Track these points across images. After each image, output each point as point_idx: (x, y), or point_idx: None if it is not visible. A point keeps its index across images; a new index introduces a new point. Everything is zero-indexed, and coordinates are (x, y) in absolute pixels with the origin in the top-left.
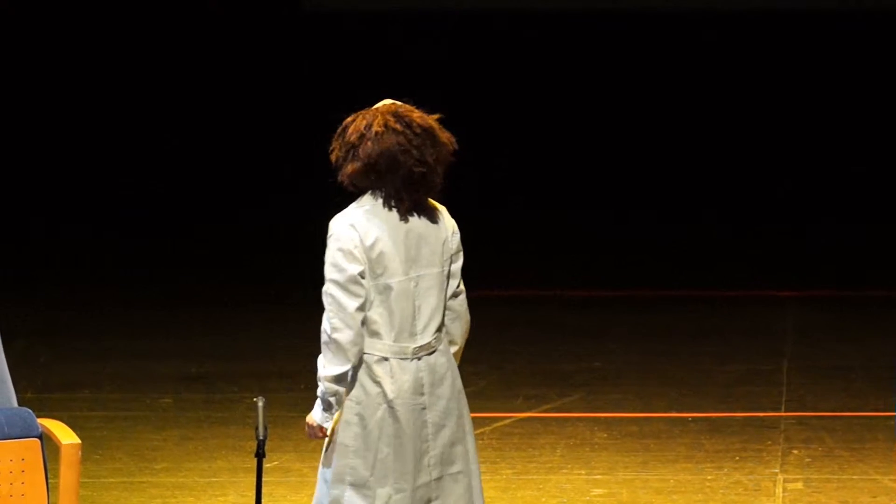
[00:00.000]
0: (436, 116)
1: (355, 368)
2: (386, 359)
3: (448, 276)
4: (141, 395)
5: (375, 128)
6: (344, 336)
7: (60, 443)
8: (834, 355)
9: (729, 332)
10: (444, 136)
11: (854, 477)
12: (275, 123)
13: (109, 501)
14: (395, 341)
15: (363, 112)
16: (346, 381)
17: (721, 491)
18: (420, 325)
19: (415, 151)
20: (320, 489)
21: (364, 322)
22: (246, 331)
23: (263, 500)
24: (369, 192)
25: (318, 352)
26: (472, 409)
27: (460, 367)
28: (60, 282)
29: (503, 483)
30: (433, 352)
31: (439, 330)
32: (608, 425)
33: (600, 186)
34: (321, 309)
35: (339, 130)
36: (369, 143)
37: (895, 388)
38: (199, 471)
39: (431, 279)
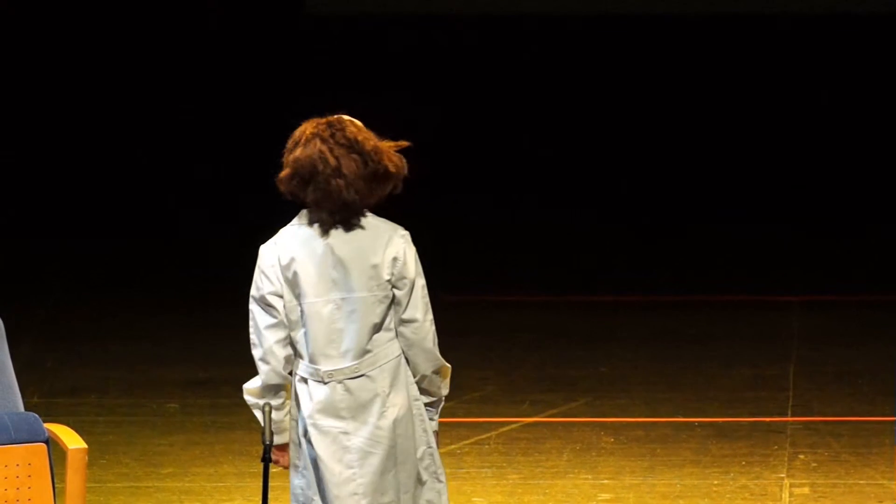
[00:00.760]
0: (400, 144)
1: (266, 383)
2: (305, 380)
3: (388, 302)
4: (147, 400)
5: (307, 134)
6: (257, 353)
7: (67, 448)
8: (840, 360)
9: (735, 337)
10: (386, 158)
11: (860, 482)
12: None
13: None
14: (310, 363)
15: (314, 119)
16: (263, 395)
17: (727, 496)
18: (340, 348)
19: (332, 161)
20: None
21: (290, 342)
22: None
23: None
24: (303, 210)
25: None
26: (478, 414)
27: (464, 372)
28: (67, 287)
29: (509, 488)
30: (358, 376)
31: (367, 354)
32: (614, 430)
33: (605, 190)
34: None
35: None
36: (298, 149)
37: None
38: (205, 475)
39: (357, 303)
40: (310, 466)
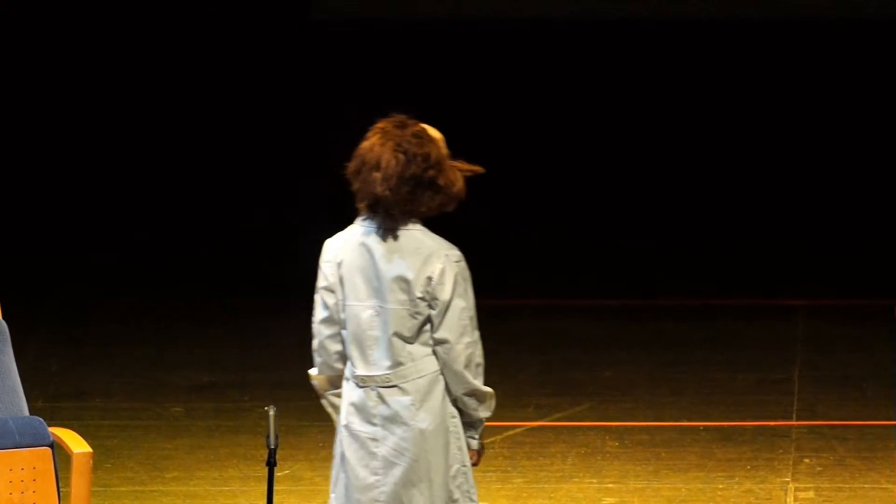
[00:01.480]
0: (473, 168)
1: (319, 373)
2: (347, 379)
3: (423, 318)
4: (152, 404)
5: (375, 127)
6: (313, 343)
7: (72, 451)
8: (845, 364)
9: (740, 342)
10: (450, 173)
11: (865, 486)
12: (283, 132)
13: None
14: (351, 364)
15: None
16: (321, 387)
17: (732, 500)
18: (374, 355)
19: (377, 153)
20: None
21: (341, 339)
22: (257, 340)
23: None
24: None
25: None
26: None
27: None
28: (71, 291)
29: (514, 492)
30: (391, 386)
31: (400, 366)
32: (619, 434)
33: (610, 195)
34: None
35: None
36: (364, 142)
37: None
38: (210, 479)
39: (388, 314)
40: (336, 465)
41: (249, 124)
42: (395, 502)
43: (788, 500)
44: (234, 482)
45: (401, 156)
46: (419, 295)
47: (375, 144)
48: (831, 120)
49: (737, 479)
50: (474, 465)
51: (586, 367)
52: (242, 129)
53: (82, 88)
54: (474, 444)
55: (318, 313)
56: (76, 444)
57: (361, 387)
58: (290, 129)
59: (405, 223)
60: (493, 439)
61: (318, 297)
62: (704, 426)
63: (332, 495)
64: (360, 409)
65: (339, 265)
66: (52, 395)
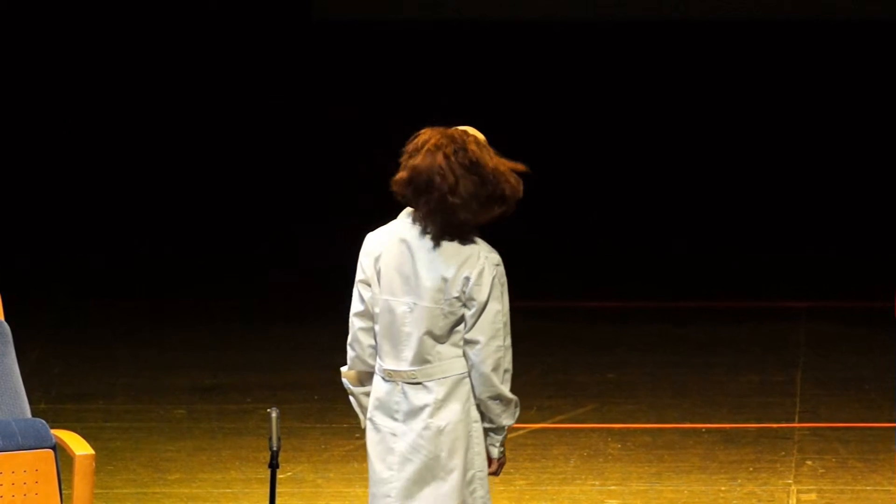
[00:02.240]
0: (517, 166)
1: (351, 368)
2: (375, 373)
3: (456, 318)
4: (154, 406)
5: (429, 145)
6: (349, 336)
7: (74, 454)
8: (847, 366)
9: (742, 344)
10: (505, 179)
11: (867, 488)
12: (284, 133)
13: None
14: (380, 358)
15: (440, 128)
16: (352, 382)
17: (734, 502)
18: (403, 351)
19: (451, 179)
20: None
21: (373, 333)
22: (259, 342)
23: None
24: (406, 209)
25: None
26: None
27: None
28: (73, 293)
29: (516, 494)
30: (416, 383)
31: (426, 364)
32: (622, 436)
33: (613, 197)
34: (334, 321)
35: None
36: (418, 158)
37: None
38: (212, 481)
39: (422, 311)
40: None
41: (250, 126)
42: (406, 499)
43: (790, 502)
44: (236, 484)
45: (475, 178)
46: (455, 294)
47: (442, 167)
48: (834, 121)
49: (739, 481)
50: (493, 474)
51: (589, 369)
52: (243, 131)
53: (84, 90)
54: (495, 451)
55: (353, 306)
56: (78, 446)
57: (388, 381)
58: (292, 130)
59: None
60: None
61: (355, 291)
62: (707, 428)
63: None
64: (384, 404)
65: (378, 259)
66: (55, 397)
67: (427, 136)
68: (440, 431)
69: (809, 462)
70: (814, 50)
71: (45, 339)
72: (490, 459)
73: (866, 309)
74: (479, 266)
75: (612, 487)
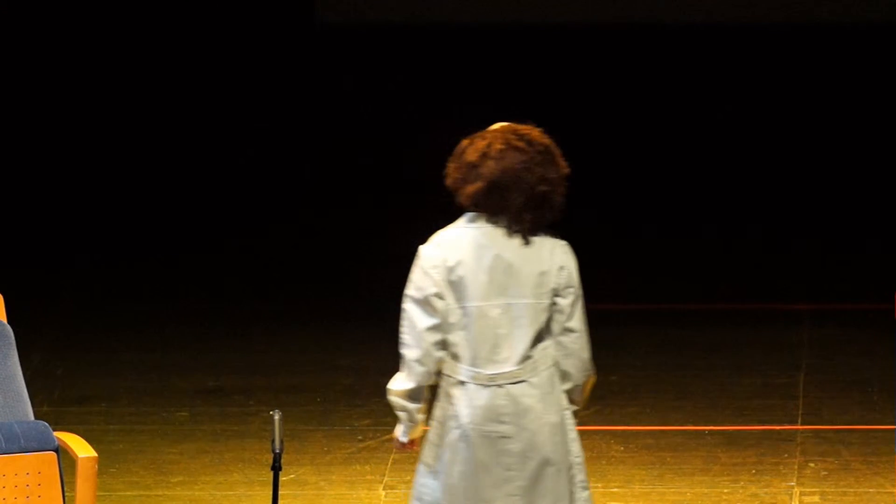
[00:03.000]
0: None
1: (433, 389)
2: (463, 382)
3: (551, 311)
4: (157, 408)
5: (497, 146)
6: (411, 353)
7: (77, 456)
8: (850, 368)
9: (745, 346)
10: (560, 155)
11: (870, 490)
12: (285, 135)
13: None
14: (471, 366)
15: (480, 134)
16: (411, 398)
17: None
18: (503, 353)
19: (538, 169)
20: None
21: (445, 344)
22: (262, 344)
23: None
24: (467, 214)
25: (335, 365)
26: None
27: None
28: (76, 295)
29: None
30: (519, 382)
31: (528, 360)
32: (624, 438)
33: (616, 199)
34: (336, 323)
35: (454, 153)
36: (491, 162)
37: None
38: (215, 484)
39: (522, 309)
40: (444, 469)
41: (253, 128)
42: (530, 496)
43: None
44: (239, 487)
45: (550, 159)
46: (553, 286)
47: (525, 161)
48: (838, 124)
49: (742, 483)
50: None
51: None
52: (246, 133)
53: (90, 91)
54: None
55: (422, 321)
56: (81, 448)
57: (488, 386)
58: (293, 131)
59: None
60: None
61: (416, 307)
62: (709, 430)
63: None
64: (489, 409)
65: (453, 269)
66: (57, 399)
67: (482, 141)
68: (552, 427)
69: (812, 464)
70: (815, 52)
71: (47, 342)
72: None
73: (870, 311)
74: (566, 254)
75: (615, 489)
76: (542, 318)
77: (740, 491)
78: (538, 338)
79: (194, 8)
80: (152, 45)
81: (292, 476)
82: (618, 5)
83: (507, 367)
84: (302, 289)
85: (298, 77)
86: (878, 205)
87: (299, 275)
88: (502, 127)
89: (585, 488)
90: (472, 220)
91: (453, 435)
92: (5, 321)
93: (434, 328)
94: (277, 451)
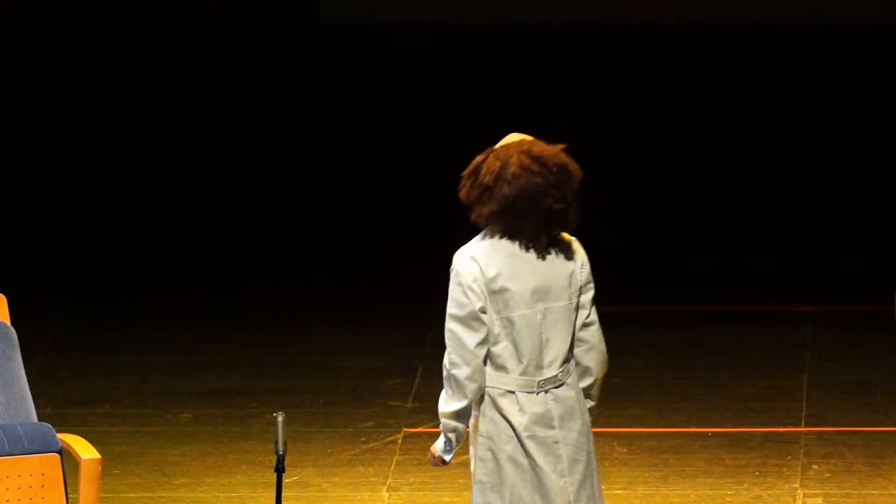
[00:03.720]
0: (561, 146)
1: (478, 404)
2: (512, 392)
3: (577, 308)
4: (160, 410)
5: (511, 169)
6: (462, 372)
7: (80, 458)
8: (854, 370)
9: (748, 348)
10: (575, 166)
11: (874, 492)
12: (287, 136)
13: None
14: (521, 374)
15: (494, 150)
16: (464, 417)
17: None
18: (547, 358)
19: (554, 191)
20: None
21: (487, 357)
22: (265, 346)
23: None
24: (490, 228)
25: (338, 367)
26: None
27: None
28: (79, 297)
29: None
30: (561, 385)
31: (566, 362)
32: (627, 440)
33: (618, 200)
34: (338, 324)
35: (470, 168)
36: (506, 186)
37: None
38: (218, 486)
39: (559, 312)
40: (506, 482)
41: (255, 130)
42: (578, 499)
43: None
44: (242, 488)
45: (565, 176)
46: (580, 284)
47: (539, 185)
48: (841, 126)
49: (745, 485)
50: None
51: None
52: (248, 135)
53: (91, 95)
54: None
55: (471, 338)
56: (84, 450)
57: (538, 393)
58: (295, 133)
59: None
60: None
61: (462, 325)
62: (713, 432)
63: None
64: (542, 416)
65: (494, 279)
66: (61, 401)
67: (496, 161)
68: (588, 425)
69: (815, 466)
70: (818, 54)
71: (50, 343)
72: None
73: (873, 313)
74: (582, 249)
75: (618, 491)
76: (573, 317)
77: (744, 493)
78: (571, 338)
79: (197, 9)
80: (155, 46)
81: (295, 478)
82: (621, 7)
83: (553, 372)
84: (304, 289)
85: (302, 78)
86: (881, 206)
87: (300, 275)
88: (517, 144)
89: (595, 469)
90: (497, 231)
91: (510, 447)
92: (8, 322)
93: (483, 343)
94: (280, 452)
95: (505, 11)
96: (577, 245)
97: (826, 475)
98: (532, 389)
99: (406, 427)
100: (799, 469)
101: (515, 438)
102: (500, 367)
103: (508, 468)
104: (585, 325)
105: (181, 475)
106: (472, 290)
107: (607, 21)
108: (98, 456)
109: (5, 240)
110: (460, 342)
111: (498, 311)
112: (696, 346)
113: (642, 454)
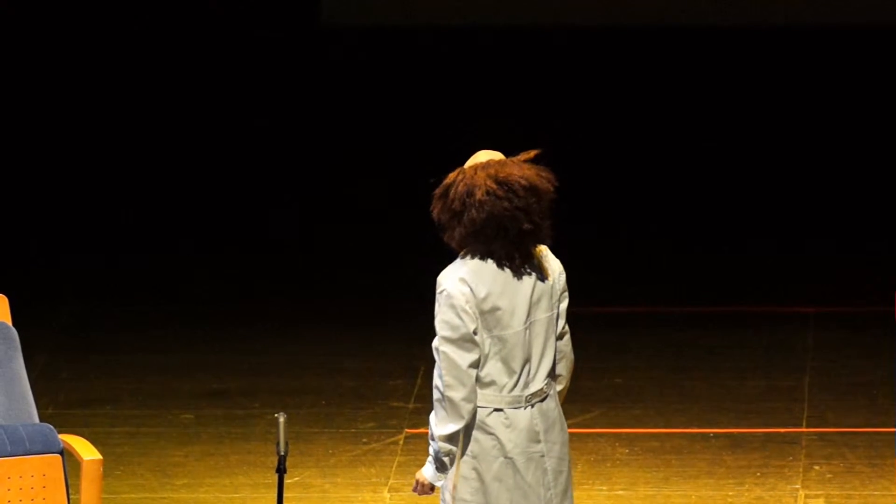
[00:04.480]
0: (533, 153)
1: (468, 425)
2: (499, 409)
3: (556, 318)
4: (162, 410)
5: (478, 196)
6: (458, 394)
7: (82, 459)
8: (855, 371)
9: (749, 348)
10: (545, 183)
11: (875, 493)
12: (288, 137)
13: None
14: (510, 391)
15: (462, 172)
16: (459, 439)
17: None
18: (535, 372)
19: (521, 214)
20: None
21: (478, 376)
22: (266, 346)
23: None
24: (468, 251)
25: (340, 368)
26: None
27: None
28: (81, 298)
29: None
30: (545, 398)
31: (550, 375)
32: (629, 441)
33: (619, 201)
34: (340, 325)
35: (440, 189)
36: (473, 211)
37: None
38: (219, 486)
39: (542, 324)
40: (491, 502)
41: (255, 130)
42: None
43: None
44: (243, 489)
45: (534, 200)
46: (559, 291)
47: (507, 209)
48: (843, 126)
49: (747, 486)
50: None
51: (596, 374)
52: (248, 135)
53: (88, 93)
54: None
55: (466, 359)
56: (86, 451)
57: (525, 407)
58: (295, 133)
59: None
60: None
61: (455, 347)
62: (714, 433)
63: None
64: (529, 430)
65: (485, 299)
66: (62, 402)
67: (463, 186)
68: (566, 434)
69: (817, 467)
70: (818, 54)
71: (52, 344)
72: None
73: (874, 313)
74: (556, 260)
75: (620, 492)
76: (554, 327)
77: (745, 494)
78: (554, 349)
79: (198, 9)
80: (155, 45)
81: (297, 478)
82: (618, 8)
83: (539, 385)
84: (305, 290)
85: (303, 78)
86: (882, 207)
87: (302, 276)
88: (484, 167)
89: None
90: (475, 255)
91: (496, 465)
92: (10, 323)
93: (476, 363)
94: (282, 453)
95: (505, 12)
96: (550, 255)
97: (828, 476)
98: (520, 405)
99: (408, 428)
100: (800, 470)
101: (502, 457)
102: (487, 385)
103: (494, 487)
104: (561, 335)
105: (183, 476)
106: (466, 312)
107: (607, 21)
108: (100, 457)
109: (6, 240)
110: (454, 364)
111: (489, 330)
112: (697, 346)
113: (644, 455)
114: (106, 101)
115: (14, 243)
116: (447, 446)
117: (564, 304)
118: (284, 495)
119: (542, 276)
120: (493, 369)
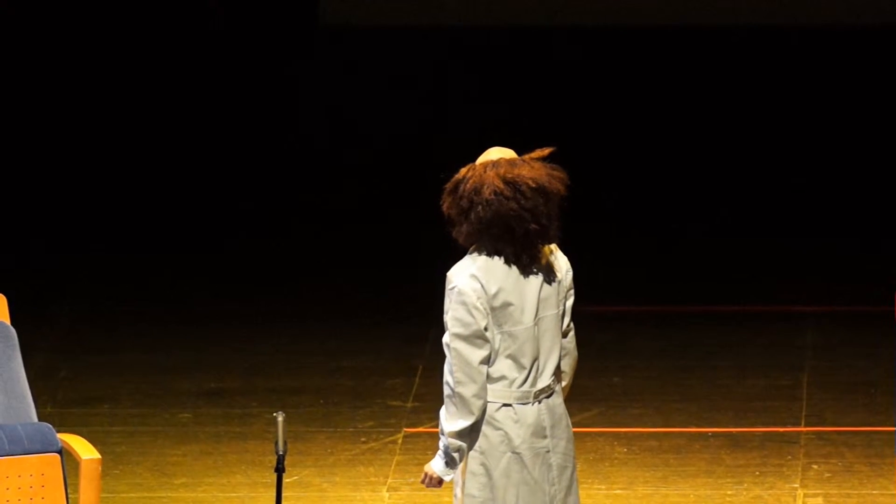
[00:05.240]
0: (546, 151)
1: (478, 421)
2: (508, 405)
3: (562, 315)
4: (160, 409)
5: (485, 195)
6: (468, 390)
7: (80, 458)
8: (854, 370)
9: (748, 348)
10: (555, 183)
11: (874, 492)
12: (289, 138)
13: None
14: (520, 386)
15: (472, 169)
16: (468, 436)
17: None
18: (544, 368)
19: (527, 215)
20: None
21: (489, 372)
22: (265, 346)
23: None
24: (477, 247)
25: (338, 367)
26: None
27: None
28: (80, 297)
29: None
30: (551, 394)
31: (556, 371)
32: (628, 440)
33: (619, 200)
34: (339, 324)
35: (450, 184)
36: (480, 209)
37: (895, 402)
38: (218, 486)
39: (549, 321)
40: (499, 497)
41: (255, 129)
42: (567, 501)
43: None
44: (242, 488)
45: (542, 199)
46: (566, 288)
47: (513, 209)
48: (844, 127)
49: (745, 485)
50: None
51: (595, 373)
52: (248, 134)
53: (88, 93)
54: None
55: (476, 355)
56: (85, 450)
57: (533, 404)
58: (295, 133)
59: None
60: None
61: (467, 343)
62: (713, 432)
63: None
64: (536, 426)
65: (496, 296)
66: (61, 401)
67: (472, 184)
68: (571, 429)
69: (815, 466)
70: (818, 54)
71: (51, 343)
72: None
73: (873, 313)
74: (565, 257)
75: (618, 491)
76: (560, 325)
77: (744, 493)
78: (559, 345)
79: (197, 9)
80: (155, 45)
81: (295, 478)
82: (623, 8)
83: (546, 381)
84: (305, 290)
85: (302, 78)
86: (881, 206)
87: (302, 276)
88: (494, 165)
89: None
90: (483, 252)
91: (504, 460)
92: (8, 322)
93: (485, 360)
94: (280, 452)
95: (505, 12)
96: (559, 253)
97: (826, 475)
98: (528, 401)
99: (406, 427)
100: (799, 469)
101: (510, 452)
102: (498, 381)
103: (501, 483)
104: (565, 333)
105: (181, 475)
106: (477, 309)
107: (607, 21)
108: (98, 456)
109: (6, 240)
110: (465, 360)
111: (499, 326)
112: (696, 345)
113: (642, 454)
114: (106, 101)
115: (14, 243)
116: (457, 442)
117: (570, 302)
118: (283, 494)
119: (550, 273)
120: (502, 365)
